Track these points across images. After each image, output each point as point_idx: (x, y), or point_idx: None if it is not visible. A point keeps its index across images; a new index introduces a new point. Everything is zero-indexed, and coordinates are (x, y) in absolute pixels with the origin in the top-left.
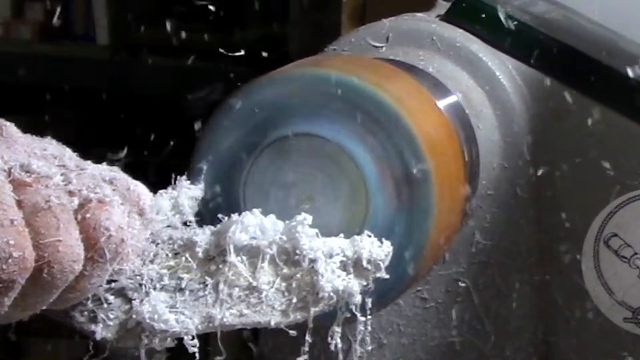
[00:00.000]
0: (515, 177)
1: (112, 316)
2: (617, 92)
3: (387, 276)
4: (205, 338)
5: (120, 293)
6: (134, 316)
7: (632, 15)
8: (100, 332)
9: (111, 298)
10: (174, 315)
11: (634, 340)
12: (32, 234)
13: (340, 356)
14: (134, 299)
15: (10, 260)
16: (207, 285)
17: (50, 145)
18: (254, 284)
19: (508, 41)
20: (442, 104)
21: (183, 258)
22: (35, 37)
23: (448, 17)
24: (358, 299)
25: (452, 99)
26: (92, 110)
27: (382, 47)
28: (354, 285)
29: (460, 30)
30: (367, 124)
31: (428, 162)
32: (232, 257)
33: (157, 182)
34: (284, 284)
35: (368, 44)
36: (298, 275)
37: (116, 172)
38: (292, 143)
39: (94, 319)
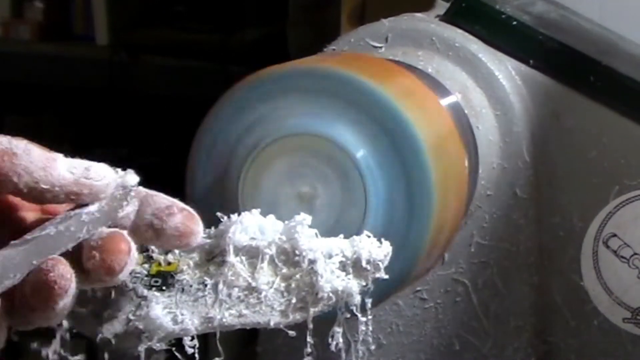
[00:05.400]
0: (514, 178)
1: (111, 317)
2: (616, 92)
3: (387, 276)
4: (205, 338)
5: (120, 293)
6: (133, 317)
7: (632, 15)
8: (99, 332)
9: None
10: (173, 315)
11: (633, 340)
12: None
13: (343, 355)
14: (134, 299)
15: None
16: (206, 285)
17: None
18: (253, 284)
19: (508, 41)
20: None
21: (183, 258)
22: (35, 37)
23: (447, 17)
24: (357, 299)
25: (451, 99)
26: (92, 110)
27: (381, 47)
28: (353, 285)
29: (460, 31)
30: (367, 122)
31: (429, 162)
32: (232, 258)
33: (157, 181)
34: (283, 284)
35: (367, 44)
36: (297, 276)
37: None
38: (291, 142)
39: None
